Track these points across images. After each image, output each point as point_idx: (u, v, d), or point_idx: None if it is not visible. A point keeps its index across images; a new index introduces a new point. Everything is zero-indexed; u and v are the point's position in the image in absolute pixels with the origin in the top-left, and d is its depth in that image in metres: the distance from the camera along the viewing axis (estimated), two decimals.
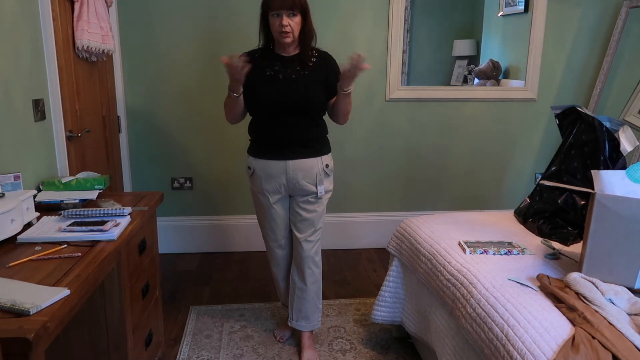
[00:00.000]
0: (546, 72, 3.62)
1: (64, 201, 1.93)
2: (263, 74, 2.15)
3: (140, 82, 3.33)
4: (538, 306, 1.53)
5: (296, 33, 2.09)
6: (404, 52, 3.49)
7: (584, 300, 1.52)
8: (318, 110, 2.22)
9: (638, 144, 2.11)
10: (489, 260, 1.89)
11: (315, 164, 2.21)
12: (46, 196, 1.97)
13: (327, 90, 2.22)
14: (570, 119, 2.23)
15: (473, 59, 3.91)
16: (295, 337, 2.49)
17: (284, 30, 2.05)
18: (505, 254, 1.95)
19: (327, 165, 2.25)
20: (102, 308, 1.73)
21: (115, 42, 3.00)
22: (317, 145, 2.23)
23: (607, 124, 2.08)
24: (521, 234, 2.20)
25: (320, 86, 2.20)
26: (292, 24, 2.05)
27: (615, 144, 2.06)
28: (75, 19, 2.41)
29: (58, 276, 1.34)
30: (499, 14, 3.88)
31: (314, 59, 2.18)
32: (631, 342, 1.35)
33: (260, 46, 2.22)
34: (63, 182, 2.06)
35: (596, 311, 1.47)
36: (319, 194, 2.24)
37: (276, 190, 2.24)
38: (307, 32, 2.13)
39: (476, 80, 3.86)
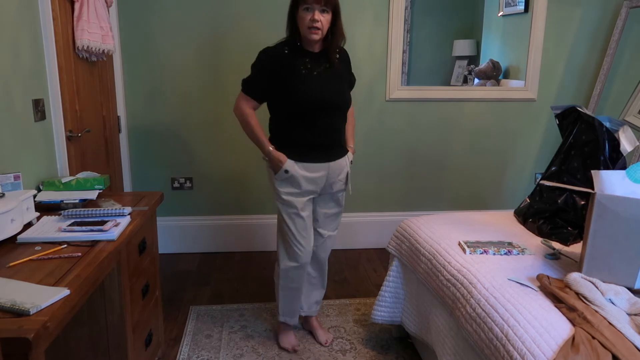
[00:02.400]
0: (546, 72, 3.62)
1: (64, 201, 1.93)
2: (297, 71, 2.08)
3: (140, 82, 3.33)
4: (538, 306, 1.53)
5: (325, 31, 2.03)
6: (404, 52, 3.49)
7: (584, 300, 1.52)
8: (348, 106, 2.25)
9: (638, 144, 2.11)
10: (489, 260, 1.89)
11: (345, 163, 2.27)
12: (46, 196, 1.97)
13: (349, 86, 2.30)
14: (570, 119, 2.23)
15: (473, 59, 3.91)
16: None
17: (314, 25, 1.98)
18: (505, 254, 1.95)
19: (351, 162, 2.32)
20: (102, 308, 1.73)
21: (115, 42, 3.00)
22: (345, 143, 2.31)
23: (607, 124, 2.08)
24: (521, 234, 2.20)
25: (346, 82, 2.25)
26: (323, 20, 1.99)
27: (615, 144, 2.06)
28: (75, 19, 2.41)
29: (58, 276, 1.34)
30: (499, 14, 3.88)
31: (337, 56, 2.17)
32: (631, 342, 1.35)
33: (285, 39, 2.13)
34: (63, 182, 2.06)
35: (596, 311, 1.47)
36: (350, 191, 2.32)
37: (314, 191, 2.21)
38: (336, 32, 2.08)
39: (476, 80, 3.86)
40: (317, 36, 2.02)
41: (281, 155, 2.13)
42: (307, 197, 2.22)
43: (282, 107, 2.14)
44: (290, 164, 2.14)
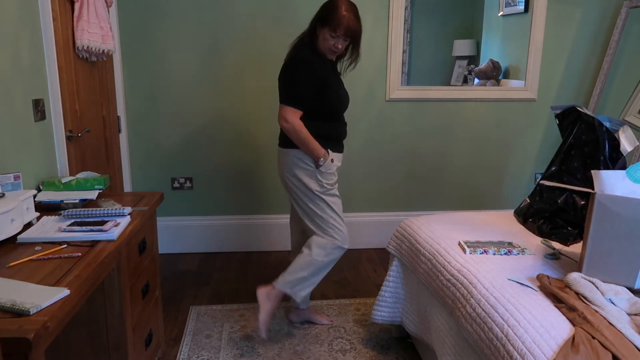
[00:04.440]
0: (546, 72, 3.62)
1: (64, 201, 1.93)
2: (333, 79, 2.33)
3: (140, 82, 3.33)
4: (538, 306, 1.53)
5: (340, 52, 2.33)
6: (404, 52, 3.49)
7: (584, 300, 1.52)
8: None
9: (638, 144, 2.11)
10: (489, 260, 1.89)
11: None
12: (46, 196, 1.97)
13: None
14: (570, 119, 2.23)
15: (473, 59, 3.91)
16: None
17: (335, 51, 2.26)
18: (505, 254, 1.95)
19: None
20: (102, 308, 1.73)
21: (115, 42, 3.00)
22: None
23: (607, 124, 2.08)
24: (521, 234, 2.20)
25: None
26: (342, 46, 2.26)
27: (615, 144, 2.06)
28: (75, 19, 2.41)
29: (58, 276, 1.34)
30: (499, 14, 3.88)
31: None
32: (631, 342, 1.35)
33: (307, 47, 2.28)
34: (63, 182, 2.06)
35: (596, 311, 1.47)
36: None
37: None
38: (354, 52, 2.35)
39: (476, 80, 3.86)
40: (333, 57, 2.33)
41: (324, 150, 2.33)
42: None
43: (323, 109, 2.30)
44: (332, 155, 2.35)
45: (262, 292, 2.36)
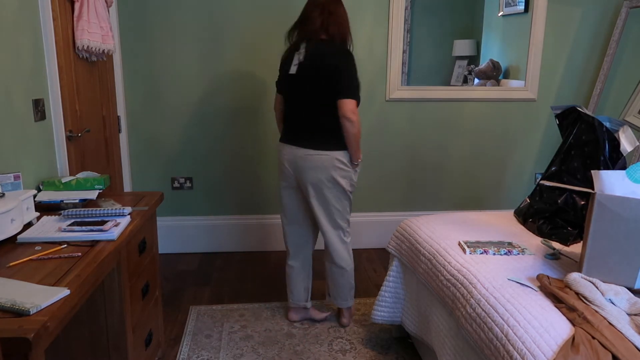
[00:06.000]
0: (546, 72, 3.62)
1: (64, 201, 1.93)
2: None
3: (140, 82, 3.33)
4: (538, 306, 1.53)
5: None
6: (404, 52, 3.49)
7: (584, 300, 1.52)
8: None
9: (638, 144, 2.11)
10: (489, 260, 1.89)
11: None
12: (46, 196, 1.97)
13: None
14: (570, 119, 2.23)
15: (473, 59, 3.91)
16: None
17: None
18: (505, 254, 1.95)
19: None
20: (102, 308, 1.73)
21: (115, 42, 2.99)
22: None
23: (607, 124, 2.08)
24: (521, 234, 2.20)
25: None
26: None
27: (615, 144, 2.06)
28: (75, 19, 2.41)
29: (58, 276, 1.34)
30: (499, 14, 3.88)
31: None
32: (631, 342, 1.35)
33: (346, 44, 2.39)
34: (63, 182, 2.06)
35: (596, 311, 1.47)
36: None
37: None
38: None
39: (476, 80, 3.86)
40: None
41: None
42: None
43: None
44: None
45: (345, 319, 2.61)
